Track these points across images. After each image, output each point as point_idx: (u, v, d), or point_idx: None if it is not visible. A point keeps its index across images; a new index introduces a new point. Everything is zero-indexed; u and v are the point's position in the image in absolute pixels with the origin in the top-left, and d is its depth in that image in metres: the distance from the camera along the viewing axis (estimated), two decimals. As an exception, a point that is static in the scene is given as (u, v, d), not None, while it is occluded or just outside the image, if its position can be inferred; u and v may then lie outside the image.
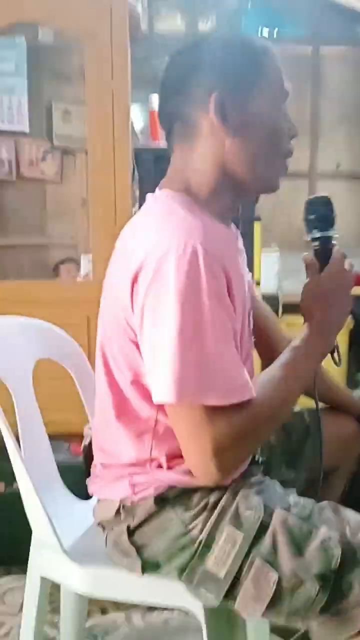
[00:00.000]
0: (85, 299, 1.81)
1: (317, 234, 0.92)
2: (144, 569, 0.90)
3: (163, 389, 0.78)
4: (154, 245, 0.79)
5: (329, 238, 0.93)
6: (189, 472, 0.88)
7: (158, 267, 0.77)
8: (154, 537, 0.89)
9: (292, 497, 0.90)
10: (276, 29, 4.31)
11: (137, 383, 0.88)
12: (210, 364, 0.77)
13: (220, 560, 0.84)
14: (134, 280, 0.81)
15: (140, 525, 0.90)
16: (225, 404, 0.78)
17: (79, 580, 0.96)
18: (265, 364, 0.95)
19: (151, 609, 1.51)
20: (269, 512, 0.85)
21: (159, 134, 2.10)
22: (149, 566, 0.90)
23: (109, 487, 0.94)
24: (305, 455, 1.15)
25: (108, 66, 1.78)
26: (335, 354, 0.97)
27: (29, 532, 1.06)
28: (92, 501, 1.09)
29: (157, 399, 0.80)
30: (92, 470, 1.01)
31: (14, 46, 2.55)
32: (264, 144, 0.89)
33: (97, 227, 1.83)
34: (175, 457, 0.89)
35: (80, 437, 1.19)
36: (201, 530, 0.86)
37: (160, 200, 0.89)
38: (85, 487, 1.02)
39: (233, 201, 0.94)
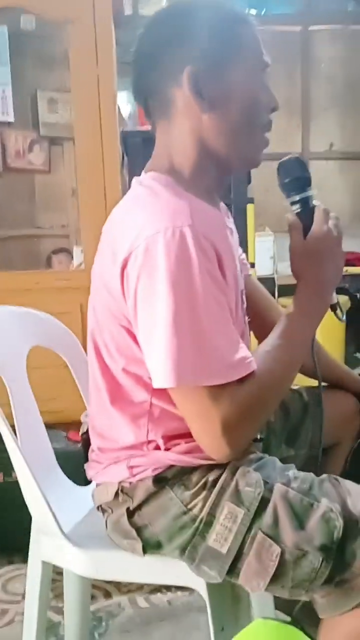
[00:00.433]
0: (77, 287, 1.81)
1: (297, 197, 0.91)
2: (145, 549, 0.90)
3: (162, 374, 0.78)
4: (141, 231, 0.78)
5: (308, 198, 0.91)
6: (187, 452, 0.88)
7: (147, 252, 0.77)
8: (154, 517, 0.89)
9: (292, 472, 0.90)
10: (264, 9, 4.27)
11: (130, 369, 0.87)
12: (206, 344, 0.77)
13: (221, 537, 0.84)
14: (124, 267, 0.80)
15: (139, 507, 0.90)
16: (226, 382, 0.78)
17: (80, 563, 0.96)
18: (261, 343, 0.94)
19: (155, 590, 1.52)
20: (268, 487, 0.86)
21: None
22: (150, 546, 0.90)
23: (107, 471, 0.94)
24: (304, 433, 1.16)
25: (92, 52, 1.76)
26: (338, 311, 0.96)
27: (29, 521, 1.06)
28: (91, 487, 1.10)
29: (157, 384, 0.79)
30: (89, 455, 1.01)
31: (-4, 34, 2.52)
32: (242, 118, 0.87)
33: (88, 216, 1.82)
34: (172, 438, 0.89)
35: (77, 424, 1.20)
36: (201, 509, 0.86)
37: (145, 183, 0.88)
38: (84, 473, 1.02)
39: (218, 178, 0.93)
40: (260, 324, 1.13)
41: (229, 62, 0.86)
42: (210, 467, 0.89)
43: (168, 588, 1.53)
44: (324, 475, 0.91)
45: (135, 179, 0.91)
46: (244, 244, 1.99)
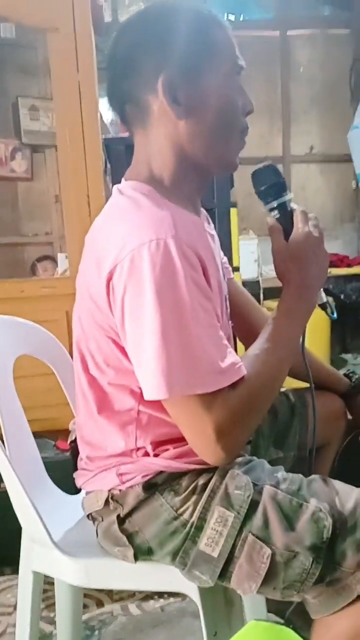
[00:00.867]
0: (63, 295, 1.81)
1: (274, 203, 0.91)
2: (136, 556, 0.90)
3: (153, 385, 0.78)
4: (125, 243, 0.78)
5: (285, 203, 0.91)
6: (176, 457, 0.88)
7: (132, 264, 0.76)
8: (145, 523, 0.89)
9: (281, 473, 0.91)
10: (242, 15, 4.31)
11: (117, 379, 0.87)
12: (196, 352, 0.77)
13: (212, 541, 0.84)
14: (109, 279, 0.79)
15: (130, 513, 0.90)
16: (217, 389, 0.78)
17: (72, 572, 0.96)
18: (247, 349, 0.95)
19: (147, 597, 1.52)
20: (258, 490, 0.86)
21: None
22: (142, 553, 0.90)
23: (96, 479, 0.94)
24: (292, 435, 1.16)
25: (73, 59, 1.76)
26: (328, 309, 0.97)
27: (19, 532, 1.06)
28: (81, 496, 1.09)
29: (148, 396, 0.79)
30: (78, 463, 1.01)
31: (-24, 43, 2.52)
32: (219, 123, 0.86)
33: (72, 222, 1.82)
34: (161, 444, 0.89)
35: (65, 433, 1.19)
36: (192, 513, 0.86)
37: (126, 192, 0.87)
38: (74, 482, 1.01)
39: (197, 184, 0.93)
40: (245, 328, 1.13)
41: (203, 68, 0.85)
42: (200, 472, 0.89)
43: (160, 595, 1.52)
44: (313, 476, 0.91)
45: (115, 188, 0.91)
46: (227, 248, 2.00)
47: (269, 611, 1.08)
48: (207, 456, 0.81)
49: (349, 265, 3.90)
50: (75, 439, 1.04)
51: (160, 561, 0.89)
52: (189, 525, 0.86)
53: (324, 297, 0.97)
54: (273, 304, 3.75)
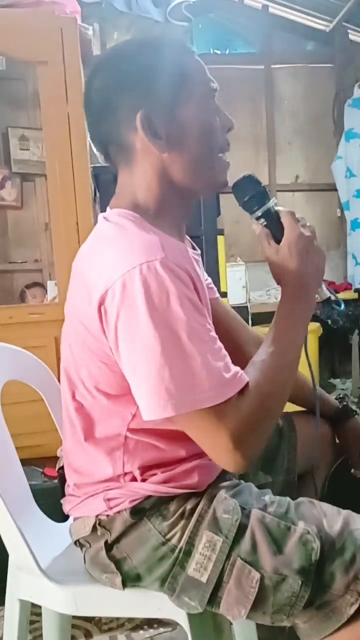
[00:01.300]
0: (51, 321, 1.81)
1: (259, 212, 0.92)
2: (124, 582, 0.89)
3: (156, 404, 0.78)
4: (116, 268, 0.79)
5: (270, 209, 0.92)
6: (164, 481, 0.88)
7: (125, 289, 0.77)
8: (133, 549, 0.88)
9: (268, 497, 0.91)
10: (227, 49, 4.44)
11: (107, 405, 0.87)
12: (197, 367, 0.77)
13: (201, 566, 0.84)
14: (101, 304, 0.80)
15: (118, 539, 0.89)
16: (225, 399, 0.78)
17: (59, 600, 0.94)
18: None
19: (136, 627, 1.49)
20: (245, 513, 0.86)
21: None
22: (130, 579, 0.89)
23: (83, 505, 0.93)
24: (280, 459, 1.16)
25: (62, 91, 1.80)
26: (334, 304, 0.98)
27: (5, 561, 1.04)
28: (68, 523, 1.08)
29: (150, 415, 0.79)
30: (65, 489, 1.00)
31: (-33, 75, 2.57)
32: (201, 148, 0.88)
33: (61, 250, 1.83)
34: (148, 468, 0.89)
35: (53, 460, 1.18)
36: (180, 539, 0.86)
37: (112, 219, 0.88)
38: (61, 510, 1.01)
39: (183, 211, 0.94)
40: (233, 347, 1.14)
41: (178, 98, 0.86)
42: (188, 496, 0.89)
43: (150, 624, 1.49)
44: (300, 499, 0.92)
45: (101, 216, 0.92)
46: (215, 274, 2.02)
47: (259, 638, 1.07)
48: (227, 464, 0.81)
49: (335, 292, 3.94)
50: (63, 466, 1.04)
51: (148, 587, 0.89)
52: (177, 551, 0.86)
53: (327, 293, 0.97)
54: (262, 329, 3.76)
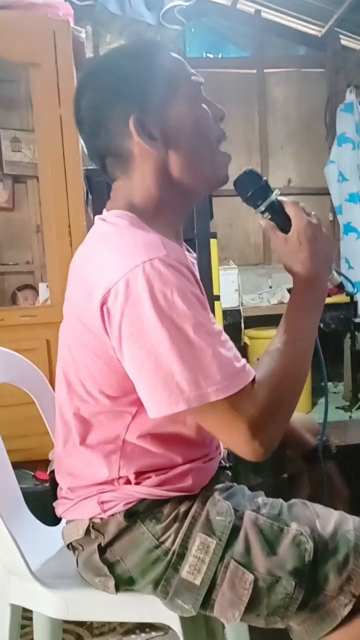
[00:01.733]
0: (43, 324, 1.81)
1: (262, 206, 0.91)
2: (117, 586, 0.89)
3: (169, 401, 0.77)
4: (118, 267, 0.78)
5: (274, 202, 0.91)
6: (158, 484, 0.88)
7: (128, 287, 0.77)
8: (126, 552, 0.88)
9: (261, 498, 0.91)
10: (220, 54, 4.46)
11: (109, 406, 0.87)
12: (207, 360, 0.77)
13: (194, 568, 0.84)
14: (103, 304, 0.79)
15: (111, 543, 0.89)
16: (240, 388, 0.78)
17: (51, 604, 0.94)
18: None
19: (128, 631, 1.48)
20: (239, 515, 0.86)
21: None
22: (123, 582, 0.89)
23: (77, 507, 0.93)
24: (269, 459, 1.16)
25: (55, 93, 1.80)
26: (348, 287, 0.97)
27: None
28: (60, 527, 1.07)
29: (164, 412, 0.78)
30: (58, 492, 1.00)
31: None
32: (197, 141, 0.89)
33: (53, 252, 1.83)
34: (142, 472, 0.88)
35: (45, 463, 1.17)
36: (173, 541, 0.86)
37: (110, 221, 0.88)
38: (53, 513, 1.00)
39: (181, 212, 0.95)
40: None
41: (165, 98, 0.87)
42: (181, 499, 0.89)
43: (142, 629, 1.48)
44: (293, 500, 0.92)
45: (98, 217, 0.92)
46: (208, 277, 2.02)
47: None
48: (246, 454, 0.80)
49: (327, 295, 3.96)
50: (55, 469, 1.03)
51: (141, 591, 0.88)
52: (170, 553, 0.85)
53: (338, 278, 0.96)
54: (254, 332, 3.77)
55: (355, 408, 3.42)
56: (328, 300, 3.92)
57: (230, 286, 3.39)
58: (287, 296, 3.89)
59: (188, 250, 1.06)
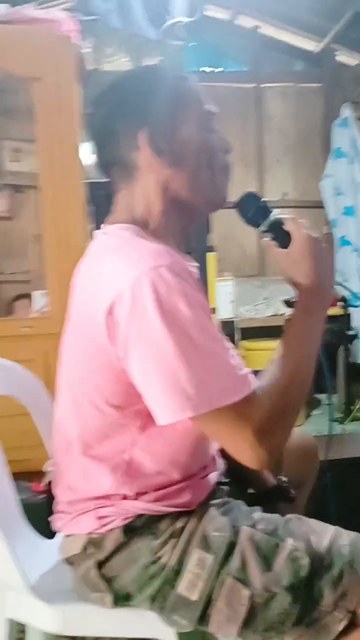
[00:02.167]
0: (41, 335, 1.81)
1: (264, 226, 0.95)
2: (115, 601, 0.89)
3: (176, 407, 0.78)
4: (124, 276, 0.80)
5: (274, 221, 0.94)
6: (155, 500, 0.89)
7: (134, 295, 0.78)
8: (124, 568, 0.88)
9: (258, 514, 0.92)
10: (219, 67, 4.51)
11: (118, 418, 0.87)
12: (214, 367, 0.78)
13: (191, 584, 0.84)
14: (109, 313, 0.80)
15: (108, 558, 0.89)
16: (245, 395, 0.79)
17: (47, 619, 0.94)
18: None
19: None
20: (235, 531, 0.87)
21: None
22: (120, 598, 0.89)
23: (75, 522, 0.93)
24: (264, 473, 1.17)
25: (56, 106, 1.82)
26: (350, 300, 0.97)
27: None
28: (56, 540, 1.07)
29: (171, 418, 0.79)
30: (54, 506, 1.00)
31: None
32: (201, 166, 0.91)
33: (52, 262, 1.84)
34: (142, 491, 0.89)
35: (40, 475, 1.18)
36: (170, 557, 0.86)
37: (113, 234, 0.90)
38: (48, 525, 1.00)
39: (183, 228, 0.96)
40: None
41: (177, 118, 0.90)
42: (178, 515, 0.89)
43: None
44: (289, 515, 0.92)
45: (98, 232, 0.93)
46: (204, 290, 2.03)
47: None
48: (252, 461, 0.81)
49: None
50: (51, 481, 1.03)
51: (138, 606, 0.89)
52: (167, 569, 0.86)
53: (340, 291, 0.98)
54: (249, 344, 3.77)
55: (348, 420, 3.42)
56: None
57: (225, 297, 3.41)
58: (282, 308, 3.90)
59: (189, 260, 1.07)
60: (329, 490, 1.32)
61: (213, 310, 2.25)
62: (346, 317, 3.66)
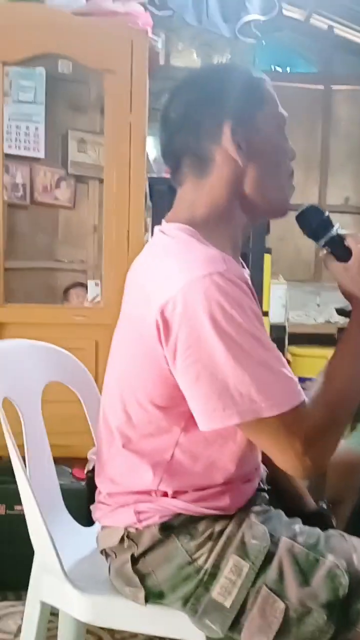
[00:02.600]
0: (94, 324, 1.83)
1: (323, 241, 0.94)
2: (147, 598, 0.89)
3: (222, 413, 0.78)
4: (177, 279, 0.80)
5: (335, 237, 0.94)
6: (194, 500, 0.88)
7: (187, 299, 0.78)
8: (159, 565, 0.88)
9: (298, 526, 0.90)
10: (288, 68, 4.44)
11: (160, 418, 0.87)
12: (264, 376, 0.78)
13: (226, 590, 0.83)
14: (161, 314, 0.80)
15: (144, 554, 0.89)
16: (292, 407, 0.79)
17: (80, 607, 0.95)
18: None
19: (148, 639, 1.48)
20: (274, 541, 0.85)
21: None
22: (153, 595, 0.89)
23: (114, 514, 0.94)
24: (307, 488, 1.15)
25: (127, 99, 1.83)
26: None
27: (26, 556, 1.05)
28: (93, 528, 1.09)
29: (215, 424, 0.79)
30: (96, 496, 1.01)
31: (34, 76, 2.64)
32: (274, 167, 0.93)
33: (110, 253, 1.86)
34: (182, 490, 0.89)
35: (83, 461, 1.19)
36: (206, 560, 0.86)
37: (170, 233, 0.90)
38: (86, 513, 1.01)
39: (242, 229, 0.96)
40: None
41: (258, 117, 0.91)
42: (217, 518, 0.89)
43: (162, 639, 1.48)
44: (331, 531, 0.91)
45: (157, 229, 0.94)
46: (260, 292, 2.02)
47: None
48: (296, 471, 0.82)
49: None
50: (93, 468, 1.05)
51: (170, 606, 0.88)
52: (202, 572, 0.85)
53: None
54: (298, 350, 3.71)
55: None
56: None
57: (277, 301, 3.36)
58: (335, 315, 3.80)
59: (243, 266, 1.06)
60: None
61: (266, 314, 2.22)
62: None
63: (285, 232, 4.07)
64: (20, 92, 2.64)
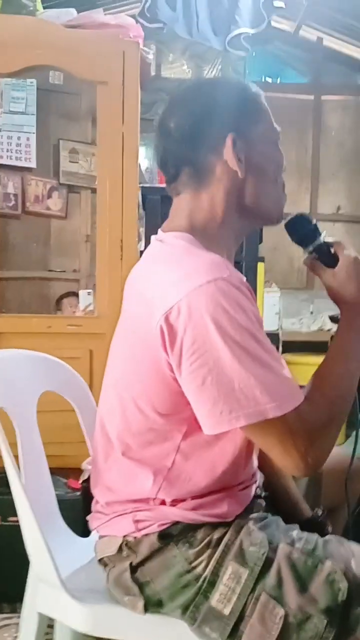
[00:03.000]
0: (87, 334, 1.83)
1: (311, 248, 0.97)
2: (146, 607, 0.89)
3: (228, 417, 0.79)
4: (181, 286, 0.80)
5: (322, 244, 0.96)
6: (193, 508, 0.88)
7: (192, 305, 0.79)
8: (157, 574, 0.88)
9: (296, 532, 0.90)
10: (279, 78, 4.49)
11: (162, 424, 0.87)
12: (268, 377, 0.80)
13: (225, 597, 0.83)
14: (165, 320, 0.81)
15: (143, 562, 0.89)
16: (294, 407, 0.80)
17: (78, 617, 0.94)
18: None
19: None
20: (273, 548, 0.85)
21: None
22: (152, 604, 0.89)
23: (111, 523, 0.93)
24: (304, 495, 1.15)
25: (119, 110, 1.84)
26: None
27: (22, 568, 1.04)
28: (90, 538, 1.08)
29: (221, 428, 0.80)
30: (93, 506, 1.00)
31: (25, 87, 2.66)
32: (270, 178, 0.95)
33: (103, 263, 1.86)
34: (180, 498, 0.89)
35: (78, 472, 1.19)
36: (205, 568, 0.86)
37: (168, 241, 0.91)
38: (83, 523, 1.01)
39: (236, 238, 0.97)
40: None
41: (257, 130, 0.93)
42: (215, 525, 0.89)
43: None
44: (329, 536, 0.91)
45: (154, 238, 0.94)
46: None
47: None
48: (300, 470, 0.82)
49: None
50: (88, 478, 1.04)
51: (169, 614, 0.88)
52: (201, 580, 0.85)
53: None
54: (292, 357, 3.72)
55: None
56: None
57: (270, 309, 3.37)
58: (328, 323, 3.82)
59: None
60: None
61: (259, 322, 2.22)
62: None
63: (278, 242, 4.09)
64: (11, 102, 2.65)
